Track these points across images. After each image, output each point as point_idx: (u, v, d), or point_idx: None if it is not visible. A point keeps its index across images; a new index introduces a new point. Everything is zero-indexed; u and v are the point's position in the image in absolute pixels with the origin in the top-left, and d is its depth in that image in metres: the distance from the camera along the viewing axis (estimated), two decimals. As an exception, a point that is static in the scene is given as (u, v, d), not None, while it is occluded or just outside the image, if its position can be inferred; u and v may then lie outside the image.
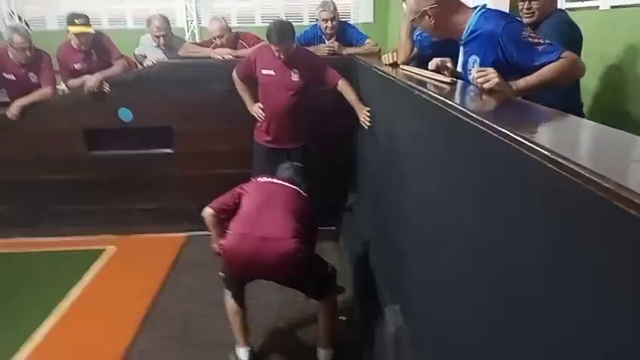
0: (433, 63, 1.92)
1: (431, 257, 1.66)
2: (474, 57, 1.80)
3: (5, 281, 3.26)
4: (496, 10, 1.82)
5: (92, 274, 3.31)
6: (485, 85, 1.58)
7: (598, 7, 2.65)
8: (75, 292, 3.08)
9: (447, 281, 1.48)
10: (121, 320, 2.81)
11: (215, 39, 3.66)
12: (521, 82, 1.64)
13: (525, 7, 2.26)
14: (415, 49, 2.51)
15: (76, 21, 3.52)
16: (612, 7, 2.56)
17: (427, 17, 1.83)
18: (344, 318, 2.69)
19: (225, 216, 2.36)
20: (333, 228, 3.75)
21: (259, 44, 3.48)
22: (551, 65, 1.62)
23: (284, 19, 7.13)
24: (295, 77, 3.13)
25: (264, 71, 3.15)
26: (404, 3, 2.59)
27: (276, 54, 3.02)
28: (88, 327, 2.76)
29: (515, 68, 1.67)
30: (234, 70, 3.28)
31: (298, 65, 3.12)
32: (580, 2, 2.79)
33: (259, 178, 2.50)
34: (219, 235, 2.37)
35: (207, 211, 2.36)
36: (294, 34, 3.10)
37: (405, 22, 2.52)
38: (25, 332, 2.69)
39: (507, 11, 3.05)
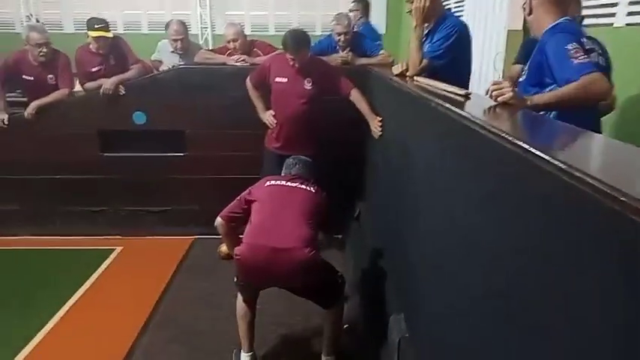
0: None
1: (438, 268, 1.66)
2: (531, 58, 1.85)
3: (14, 278, 3.29)
4: (567, 23, 1.81)
5: (99, 274, 3.34)
6: (500, 99, 1.60)
7: (612, 24, 2.66)
8: (81, 292, 3.11)
9: (453, 292, 1.48)
10: (125, 321, 2.82)
11: (229, 42, 3.71)
12: (536, 98, 1.65)
13: None
14: (425, 61, 2.53)
15: (95, 26, 3.60)
16: (627, 24, 2.57)
17: (526, 6, 1.89)
18: (347, 326, 2.69)
19: (236, 224, 2.41)
20: (340, 236, 3.76)
21: (275, 52, 3.52)
22: (571, 84, 1.59)
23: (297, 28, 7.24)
24: (308, 85, 3.17)
25: (277, 79, 3.19)
26: (409, 5, 2.62)
27: (291, 62, 3.07)
28: (92, 326, 2.78)
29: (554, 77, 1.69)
30: (248, 77, 3.33)
31: (312, 74, 3.17)
32: (594, 19, 2.80)
33: (267, 182, 2.47)
34: (232, 242, 2.40)
35: (218, 221, 2.41)
36: (309, 44, 3.17)
37: (415, 34, 2.55)
38: (31, 330, 2.71)
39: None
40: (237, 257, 2.19)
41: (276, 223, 2.22)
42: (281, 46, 3.17)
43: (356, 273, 3.10)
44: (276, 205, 2.32)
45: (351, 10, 4.55)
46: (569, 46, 1.63)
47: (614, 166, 0.96)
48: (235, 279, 2.36)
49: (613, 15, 2.66)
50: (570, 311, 0.83)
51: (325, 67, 3.30)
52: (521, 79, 1.90)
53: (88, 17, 3.77)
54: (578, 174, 0.80)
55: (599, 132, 2.12)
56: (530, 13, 1.89)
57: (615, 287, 0.72)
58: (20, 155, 3.72)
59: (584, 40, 1.78)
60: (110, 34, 3.68)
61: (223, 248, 3.47)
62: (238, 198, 2.43)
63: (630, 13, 2.54)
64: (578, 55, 1.61)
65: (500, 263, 1.14)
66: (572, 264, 0.83)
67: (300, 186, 2.42)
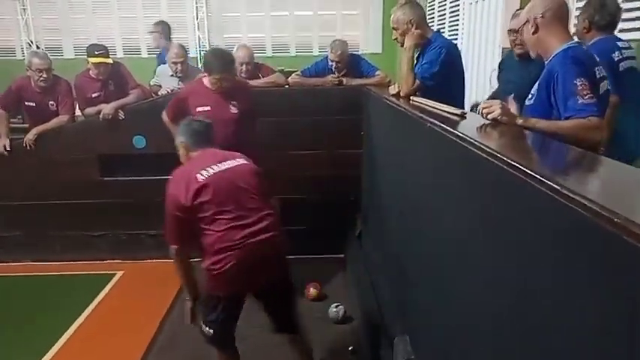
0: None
1: (441, 288, 1.66)
2: (538, 82, 1.81)
3: (17, 305, 3.28)
4: (579, 52, 1.75)
5: (101, 299, 3.33)
6: (489, 116, 1.62)
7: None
8: (83, 317, 3.09)
9: (458, 313, 1.48)
10: (128, 346, 2.80)
11: (241, 65, 3.65)
12: (532, 121, 1.65)
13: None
14: (417, 81, 2.57)
15: (96, 52, 3.66)
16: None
17: (530, 26, 1.81)
18: (351, 348, 2.67)
19: (189, 244, 2.11)
20: (342, 256, 3.75)
21: (191, 82, 3.38)
22: (568, 122, 1.60)
23: (295, 49, 7.33)
24: (234, 109, 2.94)
25: (199, 108, 2.89)
26: (395, 33, 2.69)
27: (214, 86, 2.86)
28: (96, 352, 2.76)
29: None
30: (164, 111, 3.13)
31: (236, 96, 2.95)
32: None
33: (198, 175, 2.02)
34: (191, 278, 2.18)
35: (173, 251, 2.09)
36: (234, 64, 3.08)
37: (405, 55, 2.61)
38: (33, 357, 2.69)
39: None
40: (223, 268, 1.95)
41: (244, 215, 2.01)
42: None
43: (359, 293, 3.09)
44: (232, 197, 2.02)
45: (151, 32, 4.62)
46: (578, 82, 1.61)
47: (608, 187, 0.97)
48: (206, 327, 2.10)
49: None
50: (571, 330, 0.83)
51: (249, 90, 3.19)
52: (528, 103, 1.86)
53: (88, 43, 3.83)
54: (572, 195, 0.81)
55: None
56: (535, 32, 1.81)
57: (611, 306, 0.72)
58: (21, 181, 3.74)
59: (597, 68, 1.74)
60: (110, 61, 3.73)
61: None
62: (173, 215, 2.03)
63: (620, 31, 2.58)
64: (584, 93, 1.59)
65: (498, 283, 1.15)
66: (570, 284, 0.83)
67: (236, 162, 2.15)
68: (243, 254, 1.98)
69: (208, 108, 2.87)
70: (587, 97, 1.59)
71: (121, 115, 3.65)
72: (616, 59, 2.42)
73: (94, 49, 3.69)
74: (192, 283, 2.20)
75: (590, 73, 1.68)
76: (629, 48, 2.52)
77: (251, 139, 2.98)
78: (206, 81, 2.91)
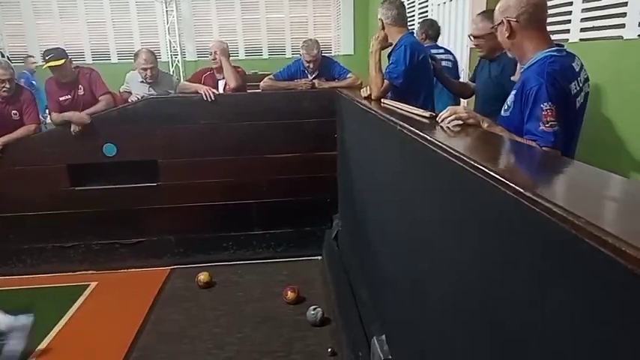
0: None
1: (417, 288, 1.67)
2: (514, 92, 1.75)
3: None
4: (555, 66, 1.65)
5: (74, 311, 3.25)
6: (449, 119, 1.65)
7: (567, 40, 2.78)
8: (56, 331, 3.01)
9: (434, 312, 1.50)
10: (104, 359, 2.74)
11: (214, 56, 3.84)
12: (497, 129, 1.67)
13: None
14: (386, 82, 2.60)
15: (46, 57, 3.59)
16: (581, 40, 2.68)
17: (505, 29, 1.73)
18: (330, 349, 2.68)
19: None
20: (319, 257, 3.76)
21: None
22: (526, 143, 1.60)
23: (267, 51, 7.32)
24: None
25: None
26: (371, 39, 2.75)
27: None
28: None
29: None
30: None
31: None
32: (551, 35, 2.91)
33: None
34: None
35: None
36: None
37: (372, 59, 2.65)
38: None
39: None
40: None
41: None
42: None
43: (337, 294, 3.10)
44: None
45: None
46: (544, 106, 1.57)
47: (572, 189, 0.99)
48: None
49: (568, 31, 2.78)
50: (540, 327, 0.85)
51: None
52: (504, 114, 1.80)
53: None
54: (536, 197, 0.83)
55: None
56: (510, 37, 1.72)
57: (576, 306, 0.74)
58: (-13, 193, 3.63)
59: (573, 83, 1.68)
60: (59, 62, 3.59)
61: (202, 277, 3.44)
62: None
63: (583, 30, 2.66)
64: (547, 119, 1.56)
65: (468, 283, 1.17)
66: (534, 284, 0.85)
67: None
68: None
69: None
70: (548, 124, 1.56)
71: (87, 119, 3.58)
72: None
73: (45, 54, 3.62)
74: None
75: (563, 93, 1.63)
76: (445, 53, 3.75)
77: None
78: None
